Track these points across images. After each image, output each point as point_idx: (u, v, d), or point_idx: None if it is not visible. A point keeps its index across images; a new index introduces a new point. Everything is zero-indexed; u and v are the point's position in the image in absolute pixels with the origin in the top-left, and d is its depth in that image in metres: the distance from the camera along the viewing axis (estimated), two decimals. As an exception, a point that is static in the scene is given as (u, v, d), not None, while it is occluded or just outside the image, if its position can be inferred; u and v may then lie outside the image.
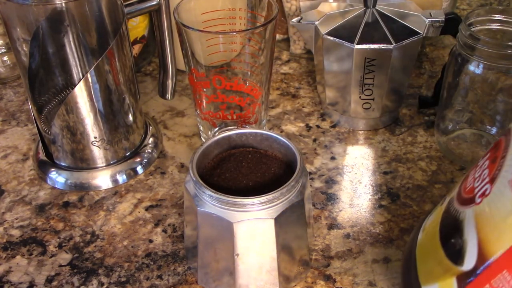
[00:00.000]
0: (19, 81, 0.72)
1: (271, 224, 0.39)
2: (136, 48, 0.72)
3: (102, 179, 0.55)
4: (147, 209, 0.52)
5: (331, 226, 0.49)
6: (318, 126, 0.62)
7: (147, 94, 0.69)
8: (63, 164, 0.55)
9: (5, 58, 0.71)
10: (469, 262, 0.31)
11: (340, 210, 0.51)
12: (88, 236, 0.49)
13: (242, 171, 0.43)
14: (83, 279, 0.45)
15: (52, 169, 0.55)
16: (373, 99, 0.59)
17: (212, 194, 0.38)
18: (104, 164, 0.55)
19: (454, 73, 0.53)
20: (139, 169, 0.56)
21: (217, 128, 0.56)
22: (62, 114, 0.51)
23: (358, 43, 0.54)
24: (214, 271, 0.42)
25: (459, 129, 0.58)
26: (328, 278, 0.45)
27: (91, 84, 0.50)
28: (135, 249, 0.48)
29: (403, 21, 0.56)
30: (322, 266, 0.46)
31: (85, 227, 0.50)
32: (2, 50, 0.71)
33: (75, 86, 0.49)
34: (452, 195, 0.36)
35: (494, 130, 0.56)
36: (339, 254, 0.47)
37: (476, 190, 0.33)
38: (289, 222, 0.40)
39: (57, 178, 0.55)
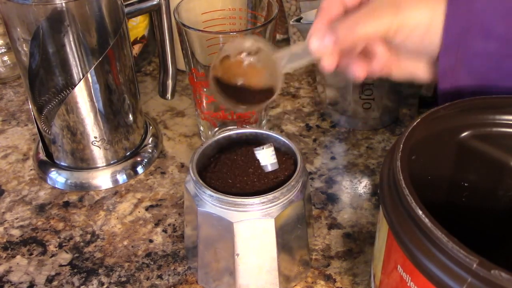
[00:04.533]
0: (19, 81, 0.72)
1: (271, 224, 0.39)
2: (136, 48, 0.72)
3: (102, 179, 0.55)
4: (147, 209, 0.52)
5: (331, 226, 0.49)
6: (318, 126, 0.62)
7: (147, 94, 0.69)
8: (63, 164, 0.55)
9: (5, 58, 0.71)
10: None
11: (340, 210, 0.51)
12: (88, 236, 0.49)
13: (242, 170, 0.43)
14: (83, 279, 0.45)
15: (52, 169, 0.55)
16: (373, 99, 0.59)
17: (212, 194, 0.38)
18: (104, 164, 0.55)
19: (454, 73, 0.53)
20: (139, 169, 0.56)
21: (217, 128, 0.56)
22: (62, 114, 0.51)
23: (358, 43, 0.54)
24: (214, 271, 0.42)
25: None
26: (328, 278, 0.45)
27: (91, 84, 0.50)
28: (135, 249, 0.48)
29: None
30: (322, 266, 0.46)
31: (85, 227, 0.50)
32: (2, 50, 0.71)
33: (75, 86, 0.49)
34: None
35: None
36: (339, 254, 0.47)
37: None
38: (289, 222, 0.40)
39: (57, 178, 0.55)
